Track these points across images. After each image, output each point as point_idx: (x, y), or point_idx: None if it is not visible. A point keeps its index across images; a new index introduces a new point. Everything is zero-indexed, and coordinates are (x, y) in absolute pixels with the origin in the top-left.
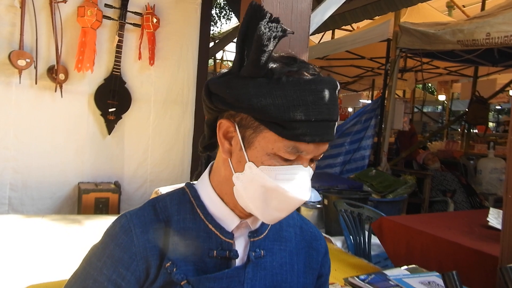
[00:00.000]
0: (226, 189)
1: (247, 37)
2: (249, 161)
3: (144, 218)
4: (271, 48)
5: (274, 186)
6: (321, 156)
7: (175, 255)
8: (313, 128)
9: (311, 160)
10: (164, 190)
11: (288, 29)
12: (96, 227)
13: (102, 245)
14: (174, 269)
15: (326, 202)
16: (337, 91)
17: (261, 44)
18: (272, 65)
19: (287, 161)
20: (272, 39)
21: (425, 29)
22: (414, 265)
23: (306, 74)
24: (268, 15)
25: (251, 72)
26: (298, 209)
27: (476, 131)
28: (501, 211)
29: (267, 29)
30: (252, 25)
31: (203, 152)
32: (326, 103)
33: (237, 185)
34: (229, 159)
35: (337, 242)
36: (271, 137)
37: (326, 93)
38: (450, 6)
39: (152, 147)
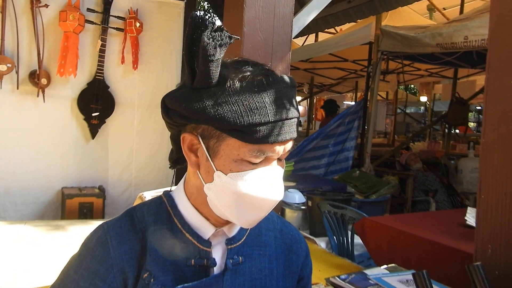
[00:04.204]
0: (199, 199)
1: (194, 49)
2: (217, 170)
3: (121, 229)
4: (219, 57)
5: (245, 191)
6: (288, 154)
7: (153, 266)
8: (273, 129)
9: (279, 159)
10: (148, 194)
11: (234, 36)
12: (79, 233)
13: (79, 257)
14: (152, 280)
15: (310, 203)
16: (293, 88)
17: (207, 55)
18: (224, 72)
19: (255, 164)
20: (218, 48)
21: (405, 32)
22: (393, 264)
23: (260, 76)
24: (211, 24)
25: (203, 83)
26: (283, 211)
27: (457, 131)
28: None
29: (211, 39)
30: (197, 36)
31: (174, 166)
32: (283, 103)
33: (209, 195)
34: (197, 171)
35: (321, 243)
36: (234, 143)
37: (282, 92)
38: (431, 9)
39: (136, 151)
